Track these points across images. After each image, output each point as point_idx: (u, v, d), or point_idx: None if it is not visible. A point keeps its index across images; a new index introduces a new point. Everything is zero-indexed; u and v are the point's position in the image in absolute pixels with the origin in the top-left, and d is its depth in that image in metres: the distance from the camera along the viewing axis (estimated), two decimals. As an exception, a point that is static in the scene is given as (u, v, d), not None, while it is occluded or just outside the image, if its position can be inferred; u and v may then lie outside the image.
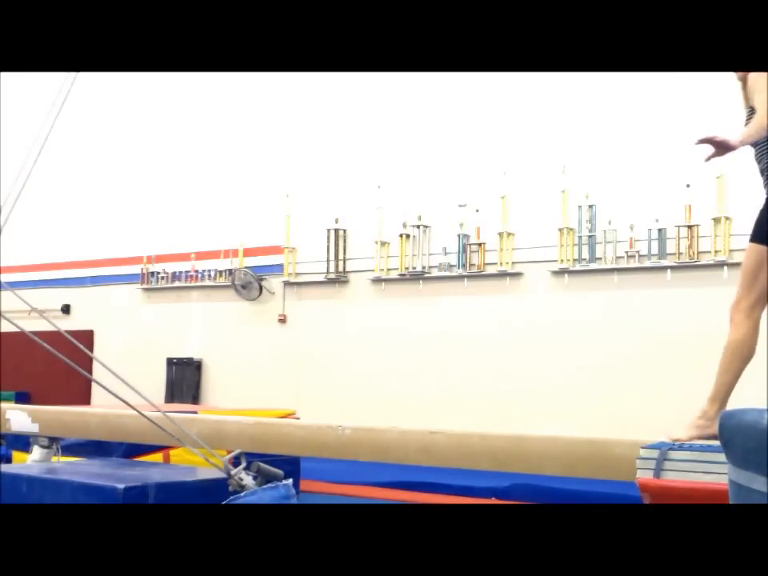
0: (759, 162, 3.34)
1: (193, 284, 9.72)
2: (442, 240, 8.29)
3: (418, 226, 8.39)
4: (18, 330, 2.95)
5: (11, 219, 3.00)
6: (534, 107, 7.97)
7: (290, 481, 3.25)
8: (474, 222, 8.14)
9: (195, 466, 4.49)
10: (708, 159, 2.98)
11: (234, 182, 9.51)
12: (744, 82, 3.32)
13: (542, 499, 5.32)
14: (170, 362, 9.74)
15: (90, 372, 4.73)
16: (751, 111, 3.21)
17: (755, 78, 3.19)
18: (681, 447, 2.70)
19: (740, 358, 3.21)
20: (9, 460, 5.87)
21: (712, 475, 2.52)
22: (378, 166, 8.66)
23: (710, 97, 7.16)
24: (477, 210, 8.12)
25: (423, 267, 8.38)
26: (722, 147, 2.93)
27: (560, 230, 7.68)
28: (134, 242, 10.04)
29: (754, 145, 3.28)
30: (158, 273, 9.94)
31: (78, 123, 9.45)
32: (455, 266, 8.20)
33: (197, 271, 9.68)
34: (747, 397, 2.79)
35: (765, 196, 3.27)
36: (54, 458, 4.81)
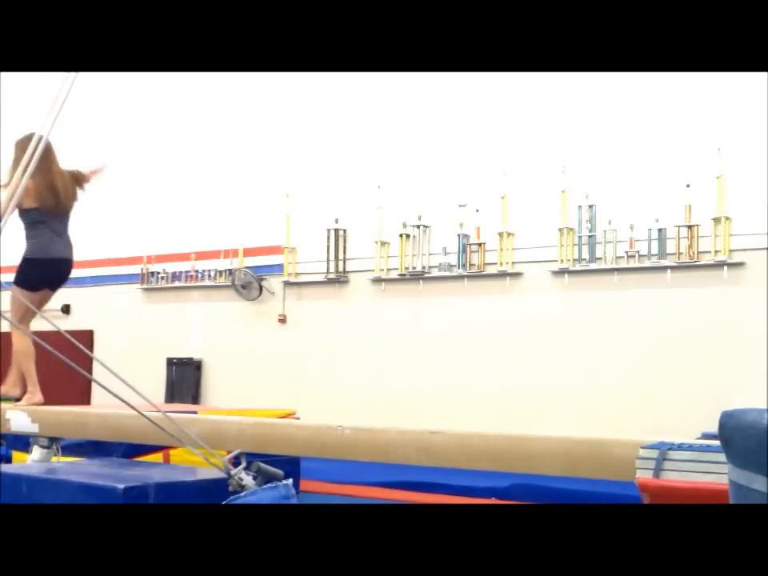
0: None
1: (193, 284, 9.71)
2: (442, 240, 8.28)
3: (418, 226, 8.39)
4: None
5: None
6: (533, 107, 7.97)
7: (290, 481, 3.25)
8: (474, 222, 8.14)
9: (195, 466, 4.48)
10: None
11: (233, 182, 9.50)
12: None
13: (542, 499, 5.32)
14: (170, 362, 9.73)
15: (90, 372, 4.73)
16: None
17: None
18: (680, 447, 2.70)
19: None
20: (9, 460, 5.87)
21: (712, 475, 2.52)
22: (378, 166, 8.66)
23: (710, 97, 7.16)
24: (477, 210, 8.12)
25: (423, 267, 8.37)
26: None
27: (560, 230, 7.68)
28: (133, 241, 10.03)
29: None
30: (158, 273, 9.93)
31: (78, 123, 9.45)
32: (455, 265, 8.19)
33: (197, 271, 9.67)
34: (747, 397, 2.79)
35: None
36: (54, 458, 4.81)
